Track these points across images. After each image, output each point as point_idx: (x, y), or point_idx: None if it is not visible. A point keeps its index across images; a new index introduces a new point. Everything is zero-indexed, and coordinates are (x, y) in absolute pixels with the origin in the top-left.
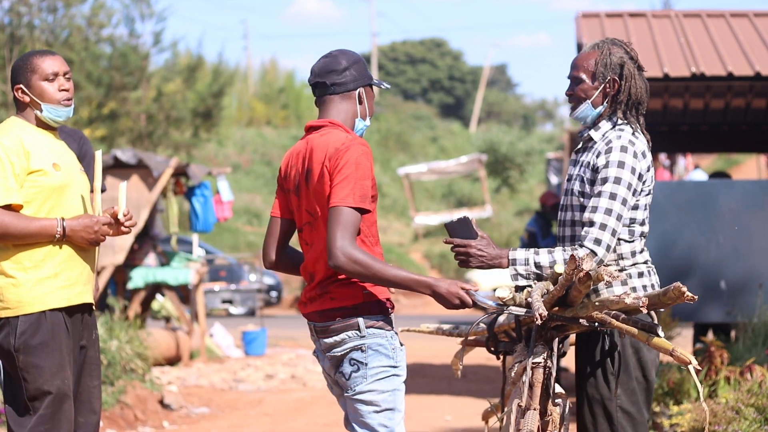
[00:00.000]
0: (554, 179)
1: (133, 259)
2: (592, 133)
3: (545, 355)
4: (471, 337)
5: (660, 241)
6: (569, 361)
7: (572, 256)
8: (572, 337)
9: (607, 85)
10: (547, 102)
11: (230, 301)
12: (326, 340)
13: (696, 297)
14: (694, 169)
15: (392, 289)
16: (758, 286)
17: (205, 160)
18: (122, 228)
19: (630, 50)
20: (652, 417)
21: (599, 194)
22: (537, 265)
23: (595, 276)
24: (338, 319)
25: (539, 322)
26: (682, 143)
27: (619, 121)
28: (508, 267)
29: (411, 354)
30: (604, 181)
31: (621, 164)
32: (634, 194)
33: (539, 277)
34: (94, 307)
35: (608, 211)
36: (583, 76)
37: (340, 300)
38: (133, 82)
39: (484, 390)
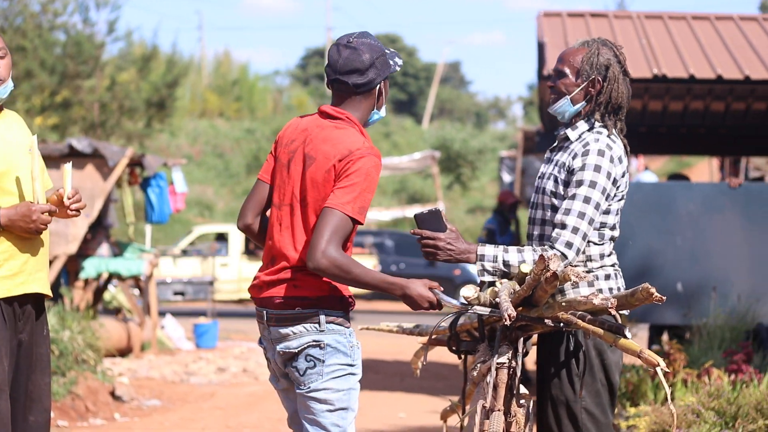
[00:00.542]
0: (507, 177)
1: (86, 249)
2: (569, 132)
3: (509, 355)
4: (433, 336)
5: (617, 242)
6: (529, 361)
7: (541, 256)
8: (534, 337)
9: (590, 84)
10: (500, 100)
11: (182, 293)
12: (281, 330)
13: (664, 298)
14: (643, 170)
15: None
16: (712, 289)
17: (157, 151)
18: (69, 211)
19: (619, 54)
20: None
21: (573, 197)
22: (505, 264)
23: (562, 276)
24: (298, 309)
25: (508, 323)
26: (641, 145)
27: (597, 124)
28: (475, 262)
29: (363, 350)
30: (580, 183)
31: (597, 168)
32: (607, 199)
33: (505, 275)
34: (46, 299)
35: (581, 215)
36: (567, 71)
37: (303, 289)
38: (87, 70)
39: (437, 387)
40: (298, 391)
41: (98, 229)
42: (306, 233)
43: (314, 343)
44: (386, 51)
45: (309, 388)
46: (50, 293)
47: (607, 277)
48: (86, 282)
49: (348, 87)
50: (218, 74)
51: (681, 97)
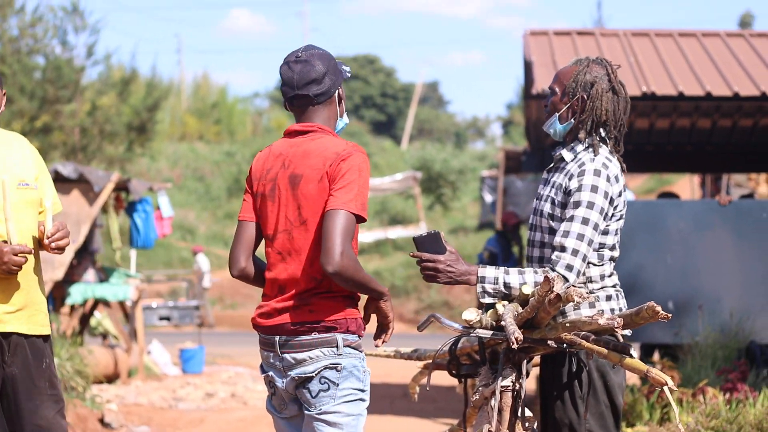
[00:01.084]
0: (489, 197)
1: (71, 275)
2: (564, 152)
3: (513, 377)
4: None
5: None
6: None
7: (546, 277)
8: (536, 359)
9: (575, 102)
10: (479, 120)
11: (168, 318)
12: (296, 356)
13: (670, 315)
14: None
15: None
16: (698, 308)
17: (138, 175)
18: (49, 250)
19: (611, 71)
20: None
21: (572, 218)
22: (506, 285)
23: (565, 297)
24: (314, 335)
25: (515, 346)
26: (627, 163)
27: (586, 142)
28: (476, 284)
29: None
30: (577, 205)
31: (594, 188)
32: (605, 218)
33: (506, 297)
34: (39, 335)
35: (580, 237)
36: (557, 89)
37: (319, 313)
38: (67, 95)
39: (427, 410)
40: (306, 413)
41: (84, 254)
42: (314, 250)
43: (331, 365)
44: (335, 58)
45: (320, 410)
46: (35, 331)
47: (609, 298)
48: (72, 308)
49: (309, 99)
50: (197, 97)
51: (668, 114)
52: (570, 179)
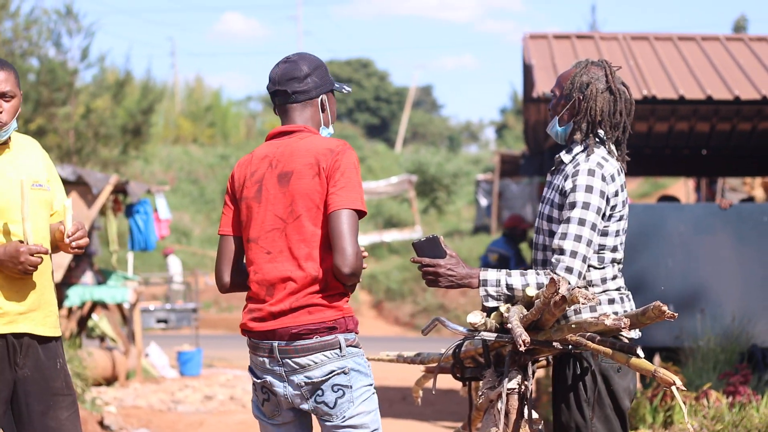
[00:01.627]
0: (484, 201)
1: (70, 278)
2: (563, 155)
3: (519, 380)
4: (435, 364)
5: None
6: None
7: (552, 279)
8: (543, 361)
9: (573, 103)
10: (472, 124)
11: (165, 321)
12: (299, 361)
13: (676, 315)
14: None
15: None
16: (700, 311)
17: (132, 178)
18: (70, 249)
19: (610, 72)
20: None
21: (568, 220)
22: (509, 288)
23: (570, 298)
24: (317, 338)
25: (523, 348)
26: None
27: (582, 143)
28: (478, 287)
29: None
30: (573, 206)
31: (589, 188)
32: (603, 219)
33: (509, 299)
34: (51, 336)
35: (578, 238)
36: (557, 92)
37: (318, 315)
38: (61, 98)
39: (425, 413)
40: (329, 424)
41: (82, 257)
42: (308, 246)
43: (338, 370)
44: (327, 70)
45: (344, 417)
46: (47, 333)
47: (611, 301)
48: (70, 310)
49: (287, 95)
50: (191, 100)
51: (666, 118)
52: (565, 180)
